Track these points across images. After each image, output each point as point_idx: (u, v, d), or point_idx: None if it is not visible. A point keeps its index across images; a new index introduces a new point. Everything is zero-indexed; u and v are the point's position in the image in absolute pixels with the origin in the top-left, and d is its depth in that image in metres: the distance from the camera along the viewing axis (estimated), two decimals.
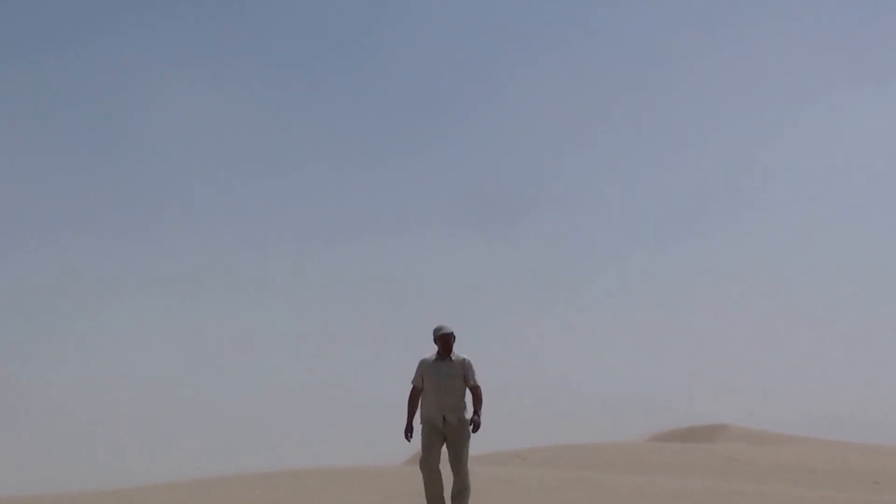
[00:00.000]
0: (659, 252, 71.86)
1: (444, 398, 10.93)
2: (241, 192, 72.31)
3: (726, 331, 68.87)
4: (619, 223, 73.79)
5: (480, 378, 11.05)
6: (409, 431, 10.89)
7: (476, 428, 10.91)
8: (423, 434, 10.97)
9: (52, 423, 49.66)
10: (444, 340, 11.01)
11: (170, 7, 69.51)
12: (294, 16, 73.05)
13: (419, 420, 11.07)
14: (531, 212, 75.35)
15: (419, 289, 68.39)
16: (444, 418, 10.93)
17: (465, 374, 10.99)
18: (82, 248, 66.35)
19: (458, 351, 11.08)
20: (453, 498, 11.07)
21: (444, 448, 11.08)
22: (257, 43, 72.88)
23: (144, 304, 64.35)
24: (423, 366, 11.07)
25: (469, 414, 10.98)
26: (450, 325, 11.10)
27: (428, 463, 10.87)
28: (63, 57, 67.82)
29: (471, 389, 11.00)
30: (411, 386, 11.13)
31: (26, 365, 57.43)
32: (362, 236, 72.71)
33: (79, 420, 50.44)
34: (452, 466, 11.04)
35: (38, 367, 57.26)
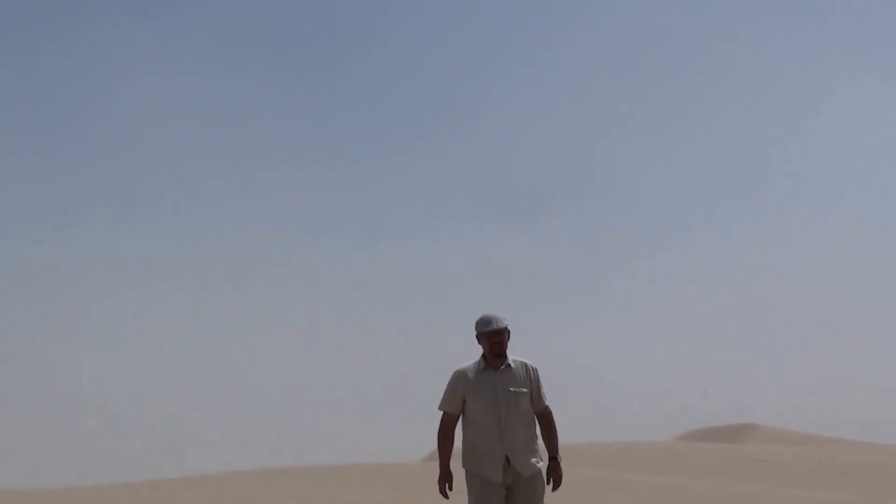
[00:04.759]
0: (690, 247, 71.01)
1: (505, 431, 6.81)
2: (257, 185, 71.74)
3: (757, 328, 68.09)
4: (651, 216, 72.92)
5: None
6: (446, 482, 6.96)
7: (558, 483, 6.93)
8: (471, 494, 6.89)
9: (57, 416, 49.50)
10: (497, 339, 6.83)
11: None
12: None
13: (468, 464, 6.99)
14: (558, 204, 74.54)
15: (441, 283, 67.96)
16: (506, 463, 6.82)
17: (533, 389, 6.93)
18: (75, 241, 66.03)
19: (511, 353, 7.03)
20: None
21: None
22: (267, 31, 72.19)
23: (147, 298, 64.07)
24: (463, 381, 6.89)
25: (542, 457, 6.97)
26: (501, 315, 6.94)
27: None
28: (50, 49, 67.28)
29: (538, 416, 6.97)
30: (441, 413, 7.00)
31: (29, 358, 57.37)
32: (381, 230, 72.22)
33: (84, 413, 50.26)
34: None
35: (41, 361, 57.18)
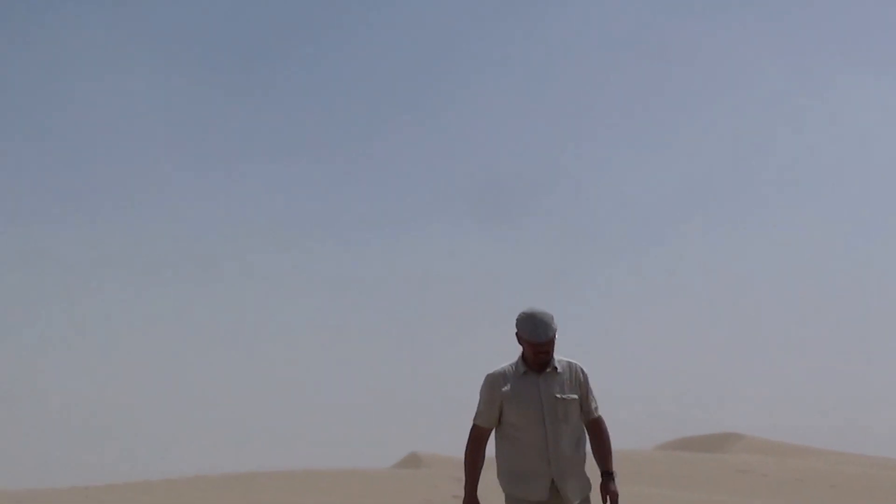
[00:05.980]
0: (671, 250, 70.38)
1: (552, 448, 5.68)
2: (223, 184, 70.71)
3: (740, 335, 67.54)
4: (630, 216, 72.15)
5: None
6: None
7: (615, 501, 5.74)
8: None
9: (15, 418, 48.70)
10: (543, 350, 5.70)
11: None
12: None
13: (507, 486, 5.87)
14: (534, 202, 73.62)
15: (416, 285, 67.23)
16: (552, 487, 5.71)
17: (582, 395, 5.84)
18: (36, 241, 65.01)
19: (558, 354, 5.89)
20: None
21: None
22: (229, 26, 71.03)
23: (112, 299, 63.20)
24: (500, 385, 5.74)
25: (588, 490, 5.87)
26: (550, 317, 5.73)
27: None
28: (9, 44, 66.29)
29: (588, 426, 5.89)
30: (472, 425, 5.87)
31: (9, 358, 56.52)
32: (352, 231, 71.21)
33: (45, 415, 49.50)
34: None
35: (20, 360, 56.37)
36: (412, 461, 51.29)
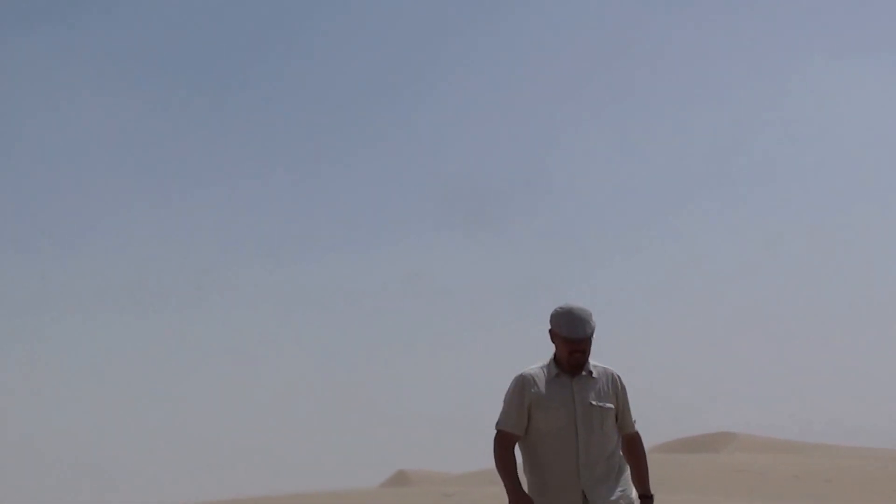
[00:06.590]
0: (656, 250, 70.07)
1: (583, 458, 5.20)
2: (184, 205, 69.85)
3: (731, 331, 67.37)
4: (612, 218, 71.70)
5: None
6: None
7: None
8: None
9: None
10: (579, 349, 5.25)
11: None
12: None
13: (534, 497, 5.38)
14: (516, 206, 73.08)
15: (398, 298, 66.74)
16: (584, 499, 5.22)
17: (619, 405, 5.39)
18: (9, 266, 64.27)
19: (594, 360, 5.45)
20: None
21: None
22: (182, 36, 70.34)
23: (71, 327, 62.42)
24: (529, 389, 5.28)
25: (629, 492, 5.36)
26: (589, 313, 5.28)
27: None
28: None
29: (625, 441, 5.44)
30: (496, 431, 5.37)
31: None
32: (331, 246, 70.55)
33: (9, 448, 48.85)
34: None
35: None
36: (400, 479, 50.86)
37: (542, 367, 5.30)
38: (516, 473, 5.24)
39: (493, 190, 70.67)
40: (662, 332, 66.36)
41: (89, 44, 66.58)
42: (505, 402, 5.30)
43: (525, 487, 5.24)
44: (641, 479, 5.36)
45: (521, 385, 5.25)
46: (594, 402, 5.20)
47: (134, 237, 67.22)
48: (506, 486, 5.19)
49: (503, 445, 5.26)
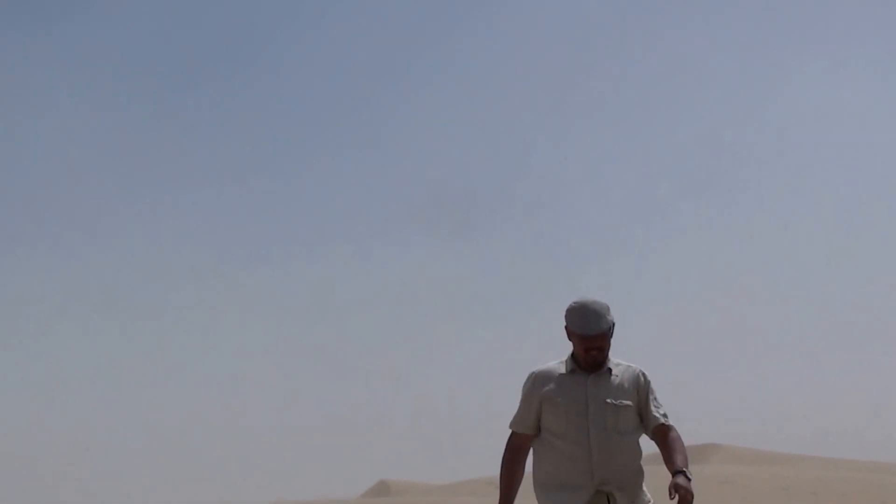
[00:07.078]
0: (638, 258, 70.07)
1: (596, 457, 4.89)
2: (171, 211, 69.66)
3: (715, 342, 67.24)
4: (594, 226, 71.74)
5: None
6: None
7: (685, 500, 4.72)
8: None
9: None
10: (595, 346, 4.94)
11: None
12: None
13: (544, 497, 5.08)
14: (495, 214, 73.07)
15: (378, 306, 66.42)
16: (594, 497, 4.92)
17: (641, 402, 5.04)
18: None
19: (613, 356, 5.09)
20: None
21: None
22: (166, 44, 70.36)
23: (48, 335, 62.06)
24: (541, 384, 5.02)
25: (648, 495, 5.05)
26: (605, 307, 4.96)
27: None
28: None
29: (654, 434, 5.04)
30: (509, 432, 5.14)
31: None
32: (302, 250, 70.30)
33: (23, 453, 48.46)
34: None
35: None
36: (381, 489, 50.50)
37: (559, 363, 5.05)
38: (512, 484, 5.03)
39: (470, 199, 70.61)
40: (646, 342, 66.08)
41: (77, 50, 66.47)
42: (521, 401, 5.07)
43: (538, 487, 5.02)
44: (672, 459, 4.87)
45: (534, 381, 5.02)
46: (609, 401, 4.90)
47: (125, 240, 67.14)
48: (500, 496, 5.04)
49: (510, 447, 5.06)
